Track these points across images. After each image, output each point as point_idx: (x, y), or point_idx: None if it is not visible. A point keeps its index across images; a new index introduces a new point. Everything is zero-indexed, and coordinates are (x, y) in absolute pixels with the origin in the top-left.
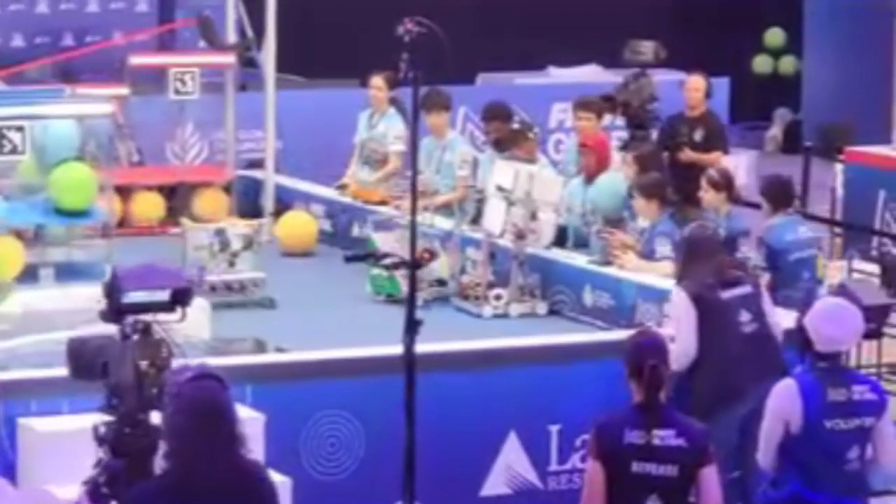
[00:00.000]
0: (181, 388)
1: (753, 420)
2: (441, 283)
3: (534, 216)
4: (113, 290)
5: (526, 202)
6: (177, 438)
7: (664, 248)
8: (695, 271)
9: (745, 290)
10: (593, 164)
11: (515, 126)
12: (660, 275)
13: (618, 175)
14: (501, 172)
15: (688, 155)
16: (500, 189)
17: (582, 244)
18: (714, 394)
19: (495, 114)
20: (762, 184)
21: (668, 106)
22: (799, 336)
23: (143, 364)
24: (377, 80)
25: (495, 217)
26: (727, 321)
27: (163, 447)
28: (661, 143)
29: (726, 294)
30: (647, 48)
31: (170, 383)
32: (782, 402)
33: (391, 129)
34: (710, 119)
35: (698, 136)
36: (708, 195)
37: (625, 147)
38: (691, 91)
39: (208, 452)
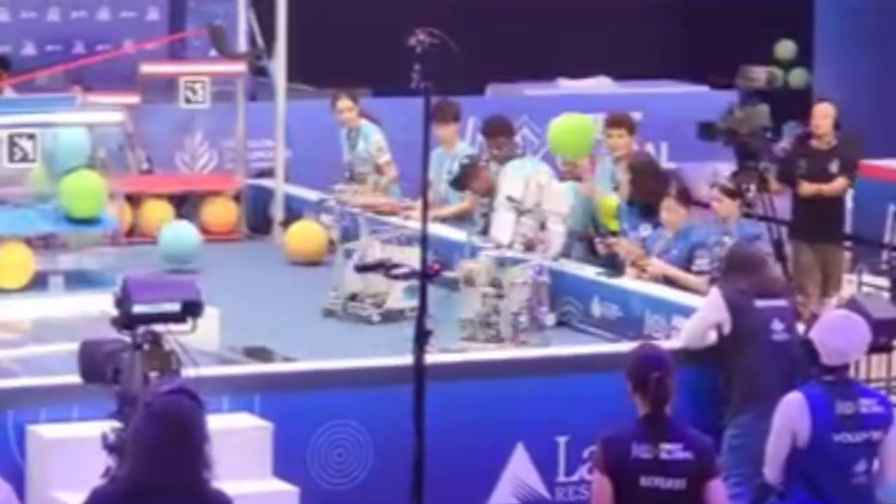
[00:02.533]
0: (154, 399)
1: None
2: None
3: (543, 227)
4: (124, 301)
5: (535, 213)
6: (140, 445)
7: (703, 260)
8: (732, 280)
9: (780, 302)
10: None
11: (465, 161)
12: (688, 285)
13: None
14: (511, 183)
15: (808, 188)
16: (509, 199)
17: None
18: (743, 398)
19: (498, 129)
20: None
21: (677, 117)
22: (805, 349)
23: (153, 374)
24: (344, 102)
25: (504, 227)
26: (758, 329)
27: (126, 452)
28: (781, 176)
29: (760, 303)
30: (759, 74)
31: (146, 393)
32: (790, 415)
33: (371, 144)
34: (845, 148)
35: (834, 167)
36: (722, 204)
37: (734, 177)
38: (819, 119)
39: (167, 466)
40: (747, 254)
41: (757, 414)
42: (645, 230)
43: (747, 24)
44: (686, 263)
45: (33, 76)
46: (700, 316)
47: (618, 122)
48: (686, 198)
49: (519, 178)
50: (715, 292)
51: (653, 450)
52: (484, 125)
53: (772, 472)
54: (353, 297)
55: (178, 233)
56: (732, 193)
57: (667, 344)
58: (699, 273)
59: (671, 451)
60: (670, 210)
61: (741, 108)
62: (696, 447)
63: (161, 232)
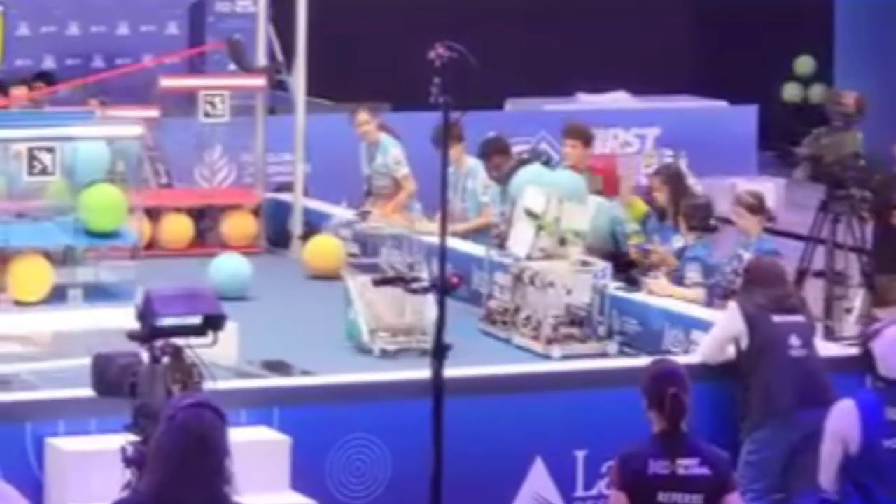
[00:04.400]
0: (176, 412)
1: (804, 448)
2: None
3: (562, 242)
4: (146, 314)
5: (555, 228)
6: (160, 460)
7: (694, 273)
8: (751, 294)
9: (797, 318)
10: (602, 188)
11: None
12: (687, 300)
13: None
14: (532, 197)
15: None
16: (529, 213)
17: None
18: (760, 413)
19: (494, 149)
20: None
21: (695, 132)
22: (863, 359)
23: (175, 388)
24: (362, 116)
25: (522, 240)
26: (775, 344)
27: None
28: (874, 207)
29: (778, 318)
30: (848, 99)
31: (167, 406)
32: (841, 421)
33: (389, 157)
34: None
35: None
36: (743, 220)
37: (823, 208)
38: None
39: (188, 479)
40: (766, 267)
41: (774, 429)
42: (678, 241)
43: (766, 39)
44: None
45: (54, 90)
46: (718, 330)
47: (573, 132)
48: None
49: (540, 191)
50: (733, 305)
51: (670, 465)
52: (480, 147)
53: (826, 478)
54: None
55: (231, 267)
56: (754, 209)
57: (683, 359)
58: (693, 286)
59: (688, 466)
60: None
61: (828, 133)
62: (713, 462)
63: (215, 264)
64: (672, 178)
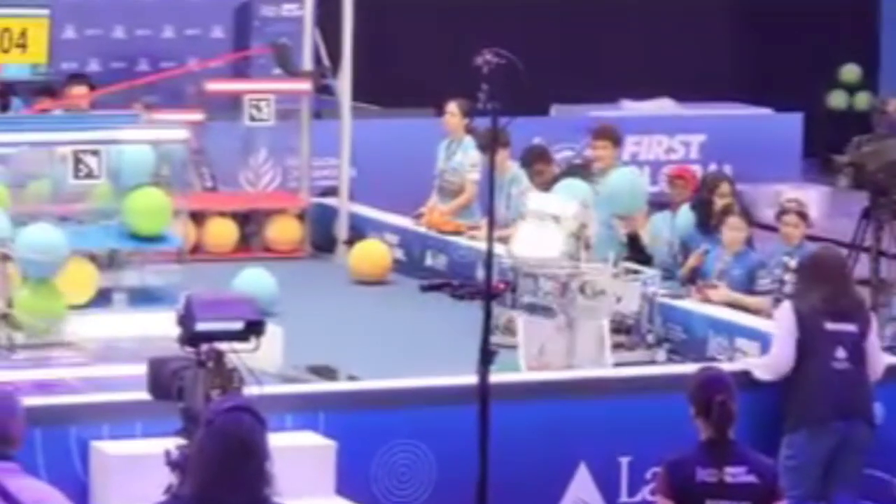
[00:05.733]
0: (215, 417)
1: (840, 458)
2: None
3: (587, 246)
4: (187, 318)
5: (582, 234)
6: (200, 462)
7: (765, 280)
8: (810, 291)
9: (850, 327)
10: (687, 196)
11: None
12: (753, 309)
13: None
14: (563, 203)
15: None
16: (555, 219)
17: (668, 277)
18: (798, 416)
19: (536, 157)
20: None
21: (740, 140)
22: None
23: (215, 393)
24: (452, 106)
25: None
26: (821, 351)
27: (188, 469)
28: None
29: (830, 325)
30: (892, 106)
31: (207, 410)
32: None
33: (467, 158)
34: None
35: None
36: (788, 227)
37: (866, 216)
38: None
39: (230, 484)
40: (831, 260)
41: (808, 435)
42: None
43: (812, 47)
44: (748, 285)
45: (98, 93)
46: (782, 340)
47: (603, 134)
48: (748, 219)
49: (572, 200)
50: (786, 306)
51: (717, 473)
52: (522, 155)
53: None
54: None
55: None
56: (804, 216)
57: (727, 366)
58: (763, 293)
59: (735, 474)
60: (733, 229)
61: (870, 141)
62: (760, 470)
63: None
64: (731, 182)
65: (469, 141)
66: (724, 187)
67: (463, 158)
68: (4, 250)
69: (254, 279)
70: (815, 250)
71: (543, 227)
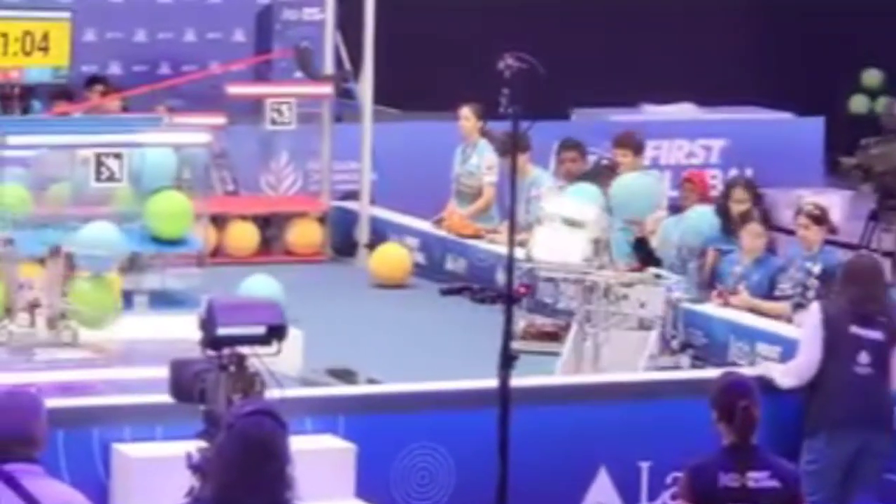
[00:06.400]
0: (236, 420)
1: (859, 463)
2: None
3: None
4: (208, 322)
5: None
6: (222, 468)
7: (785, 285)
8: (841, 294)
9: (876, 334)
10: (694, 200)
11: (605, 161)
12: (773, 314)
13: (705, 211)
14: (573, 206)
15: None
16: (568, 222)
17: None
18: (817, 420)
19: (572, 146)
20: None
21: (762, 144)
22: None
23: (236, 397)
24: (465, 111)
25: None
26: (844, 354)
27: (209, 473)
28: None
29: (856, 329)
30: None
31: (228, 414)
32: None
33: (483, 161)
34: None
35: None
36: (810, 231)
37: (873, 217)
38: None
39: (251, 488)
40: (865, 265)
41: (828, 439)
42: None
43: (834, 51)
44: (768, 290)
45: (120, 97)
46: (809, 342)
47: (623, 142)
48: (768, 223)
49: (593, 204)
50: (815, 307)
51: (740, 478)
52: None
53: None
54: None
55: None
56: (818, 220)
57: (749, 371)
58: (783, 298)
59: (758, 479)
60: (753, 235)
61: (878, 143)
62: (782, 476)
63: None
64: (753, 188)
65: (484, 144)
66: (739, 192)
67: (478, 161)
68: (67, 249)
69: (259, 285)
70: (852, 256)
71: (563, 231)
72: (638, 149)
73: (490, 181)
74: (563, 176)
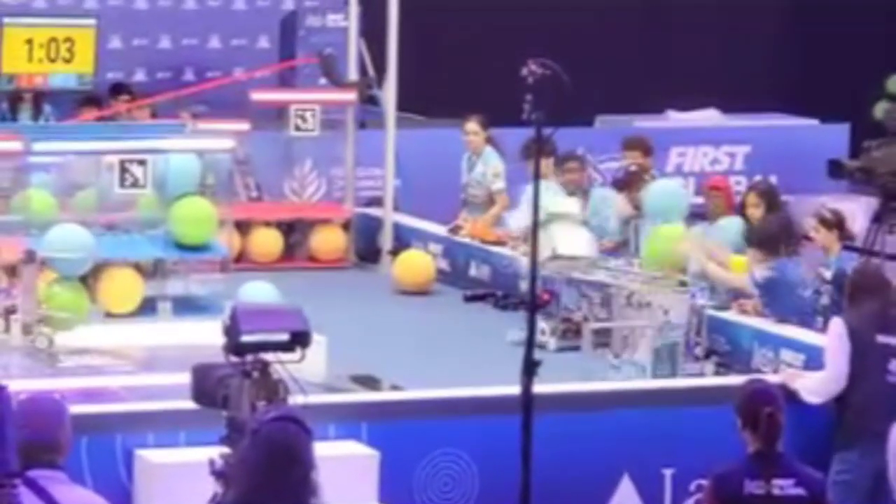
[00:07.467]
0: (261, 426)
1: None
2: None
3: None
4: (232, 329)
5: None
6: (246, 472)
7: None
8: (859, 305)
9: None
10: (723, 208)
11: (633, 168)
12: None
13: (734, 221)
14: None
15: None
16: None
17: None
18: (850, 433)
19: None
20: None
21: (786, 151)
22: None
23: (260, 404)
24: (471, 125)
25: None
26: (874, 364)
27: (233, 479)
28: None
29: (882, 338)
30: None
31: (253, 420)
32: None
33: (489, 168)
34: None
35: None
36: (819, 234)
37: (877, 220)
38: None
39: (275, 493)
40: (872, 274)
41: (862, 451)
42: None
43: (859, 57)
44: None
45: (144, 103)
46: (835, 356)
47: (632, 144)
48: (788, 229)
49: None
50: (837, 321)
51: (765, 486)
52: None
53: None
54: None
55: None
56: (829, 224)
57: (773, 378)
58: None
59: (783, 486)
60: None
61: (879, 146)
62: (808, 483)
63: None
64: (767, 193)
65: (489, 151)
66: (752, 197)
67: (484, 169)
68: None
69: (257, 292)
70: (855, 265)
71: (572, 226)
72: (647, 150)
73: (499, 188)
74: (564, 186)
